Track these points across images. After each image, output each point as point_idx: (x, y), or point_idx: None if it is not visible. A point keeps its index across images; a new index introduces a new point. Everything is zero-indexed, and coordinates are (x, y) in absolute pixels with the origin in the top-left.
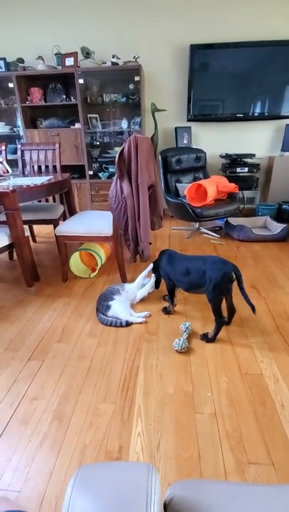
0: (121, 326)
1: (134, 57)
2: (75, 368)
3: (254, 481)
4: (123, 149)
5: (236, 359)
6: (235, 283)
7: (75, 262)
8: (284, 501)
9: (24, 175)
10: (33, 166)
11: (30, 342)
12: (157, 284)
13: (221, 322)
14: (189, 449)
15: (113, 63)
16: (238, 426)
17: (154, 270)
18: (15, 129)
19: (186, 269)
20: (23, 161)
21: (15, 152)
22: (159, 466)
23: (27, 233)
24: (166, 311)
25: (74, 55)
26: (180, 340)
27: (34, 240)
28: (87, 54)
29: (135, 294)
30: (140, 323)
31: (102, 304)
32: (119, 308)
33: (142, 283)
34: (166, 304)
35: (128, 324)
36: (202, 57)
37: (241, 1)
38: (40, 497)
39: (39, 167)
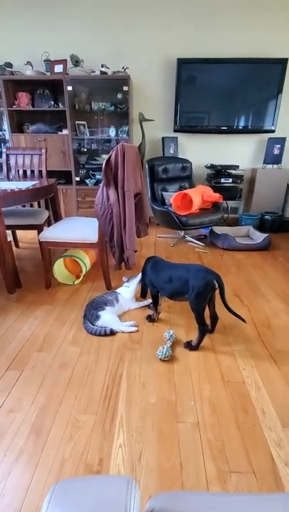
0: (105, 334)
1: (123, 67)
2: (55, 378)
3: (235, 490)
4: (110, 157)
5: (219, 367)
6: (217, 291)
7: (59, 269)
8: (264, 510)
9: (9, 179)
10: (18, 171)
11: (10, 351)
12: (144, 293)
13: (204, 330)
14: (171, 460)
15: (102, 72)
16: (220, 434)
17: (143, 278)
18: (0, 132)
19: (169, 277)
20: (8, 165)
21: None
22: (141, 477)
23: (10, 238)
24: (151, 318)
25: (63, 62)
26: (164, 348)
27: (17, 246)
28: (76, 62)
29: (128, 305)
30: (132, 332)
31: (92, 313)
32: (109, 318)
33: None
34: (151, 312)
35: (113, 332)
36: (189, 71)
37: (228, 19)
38: None
39: (24, 172)
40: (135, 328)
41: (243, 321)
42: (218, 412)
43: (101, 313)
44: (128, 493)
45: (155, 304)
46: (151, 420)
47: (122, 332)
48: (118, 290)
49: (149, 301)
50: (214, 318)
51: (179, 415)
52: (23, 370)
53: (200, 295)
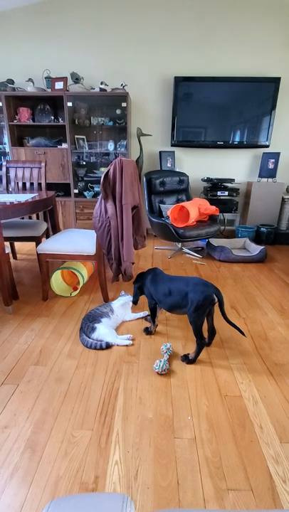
0: (101, 348)
1: (122, 84)
2: (51, 392)
3: (233, 508)
4: (108, 171)
5: (216, 381)
6: (217, 305)
7: (57, 281)
8: None
9: (8, 191)
10: (17, 183)
11: (5, 365)
12: (136, 300)
13: (201, 344)
14: (168, 477)
15: (101, 89)
16: (217, 450)
17: (136, 281)
18: (1, 146)
19: (168, 289)
20: (8, 177)
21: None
22: (137, 495)
23: (8, 250)
24: (148, 331)
25: (64, 79)
26: (160, 361)
27: (15, 257)
28: (76, 79)
29: (123, 316)
30: (127, 345)
31: (88, 325)
32: (104, 331)
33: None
34: (148, 325)
35: (108, 346)
36: (185, 88)
37: (223, 39)
38: None
39: (24, 184)
40: (130, 342)
41: (243, 334)
42: (216, 427)
43: (97, 325)
44: (123, 510)
45: (153, 316)
46: (148, 436)
47: (118, 345)
48: (113, 302)
49: (146, 312)
50: (212, 332)
51: (176, 431)
52: (18, 384)
53: (199, 309)
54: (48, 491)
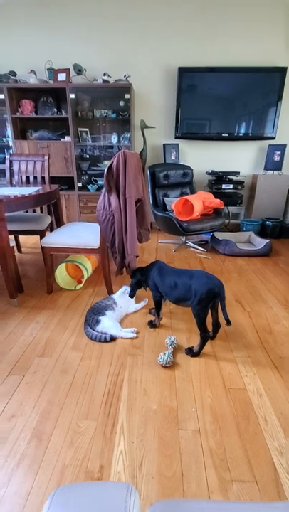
0: (105, 341)
1: (125, 76)
2: (56, 383)
3: (237, 499)
4: (112, 164)
5: (220, 373)
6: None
7: (61, 274)
8: None
9: (12, 185)
10: (21, 177)
11: (11, 356)
12: (133, 294)
13: (205, 337)
14: (172, 467)
15: (104, 81)
16: (221, 442)
17: (134, 276)
18: (4, 139)
19: (174, 282)
20: (11, 171)
21: (3, 162)
22: (142, 485)
23: (12, 243)
24: (152, 324)
25: (66, 71)
26: (165, 354)
27: (19, 251)
28: (79, 71)
29: (127, 308)
30: (131, 338)
31: (92, 318)
32: (109, 323)
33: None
34: (153, 318)
35: (112, 339)
36: (190, 79)
37: (228, 29)
38: None
39: (27, 178)
40: (135, 335)
41: (228, 323)
42: (220, 419)
43: (101, 318)
44: (127, 499)
45: (158, 309)
46: (152, 427)
47: (122, 338)
48: (114, 294)
49: (146, 300)
50: (217, 325)
51: (180, 422)
52: (24, 375)
53: (202, 301)
54: (54, 479)
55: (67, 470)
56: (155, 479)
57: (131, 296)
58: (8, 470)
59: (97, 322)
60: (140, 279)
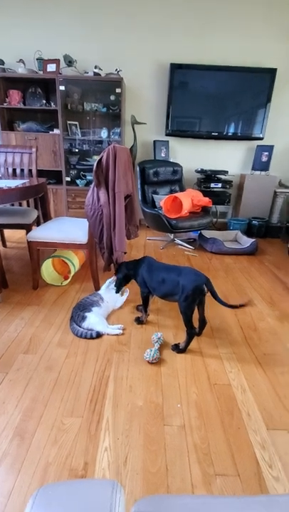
0: (91, 337)
1: (116, 70)
2: (41, 381)
3: (220, 493)
4: (101, 158)
5: (206, 370)
6: (209, 295)
7: (47, 269)
8: None
9: None
10: (7, 169)
11: None
12: (119, 288)
13: (191, 333)
14: (157, 463)
15: (95, 73)
16: (206, 437)
17: (119, 271)
18: None
19: (162, 278)
20: None
21: None
22: (126, 481)
23: None
24: (139, 320)
25: (56, 61)
26: (151, 350)
27: (4, 245)
28: (69, 62)
29: (114, 303)
30: (117, 334)
31: (78, 314)
32: (95, 320)
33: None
34: (140, 315)
35: (99, 335)
36: (181, 76)
37: (220, 27)
38: None
39: (14, 170)
40: (121, 331)
41: (242, 306)
42: (205, 414)
43: (87, 314)
44: (113, 496)
45: (145, 305)
46: (138, 423)
47: (108, 334)
48: (100, 291)
49: (127, 290)
50: (203, 322)
51: (166, 418)
52: (7, 373)
53: (188, 297)
54: (36, 478)
55: (50, 468)
56: (140, 475)
57: (117, 291)
58: None
59: (83, 318)
60: (128, 273)
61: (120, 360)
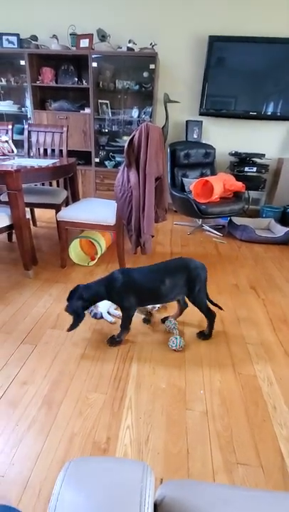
0: (95, 317)
1: (151, 44)
2: (68, 355)
3: (242, 482)
4: (133, 137)
5: (231, 359)
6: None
7: (75, 249)
8: (281, 509)
9: (29, 156)
10: (38, 149)
11: (24, 325)
12: (77, 324)
13: (212, 316)
14: (178, 445)
15: (129, 48)
16: (228, 425)
17: (76, 296)
18: (23, 109)
19: (160, 280)
20: (30, 142)
21: (21, 133)
22: (147, 460)
23: (28, 216)
24: (146, 320)
25: (89, 36)
26: (176, 339)
27: (34, 224)
28: (102, 37)
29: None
30: (110, 322)
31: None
32: (104, 303)
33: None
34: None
35: (102, 317)
36: (219, 50)
37: None
38: (24, 482)
39: (45, 150)
40: (113, 320)
41: (220, 308)
42: (228, 403)
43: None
44: (144, 479)
45: (128, 323)
46: (160, 405)
47: (103, 318)
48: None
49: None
50: (183, 306)
51: (188, 403)
52: (36, 345)
53: (204, 282)
54: (62, 445)
55: (75, 438)
56: (161, 455)
57: (71, 329)
58: (19, 433)
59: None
60: (94, 295)
61: (144, 342)
